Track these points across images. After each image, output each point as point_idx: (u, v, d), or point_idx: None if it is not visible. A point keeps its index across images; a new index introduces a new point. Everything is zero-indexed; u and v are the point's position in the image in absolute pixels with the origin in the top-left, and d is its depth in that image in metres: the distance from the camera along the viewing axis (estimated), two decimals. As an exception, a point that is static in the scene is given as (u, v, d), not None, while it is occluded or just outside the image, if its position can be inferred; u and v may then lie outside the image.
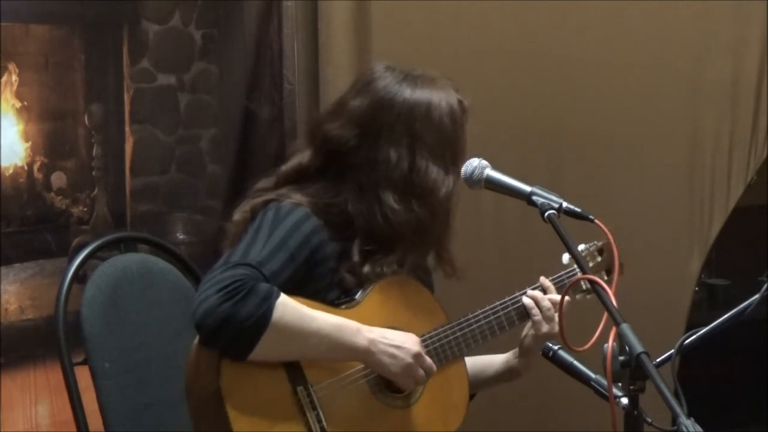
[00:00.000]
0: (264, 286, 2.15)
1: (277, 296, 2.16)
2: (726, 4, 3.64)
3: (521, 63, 3.60)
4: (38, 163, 3.25)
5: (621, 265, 2.49)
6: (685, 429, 1.70)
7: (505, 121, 3.60)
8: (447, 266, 2.43)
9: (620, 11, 3.62)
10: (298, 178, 2.39)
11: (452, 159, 2.37)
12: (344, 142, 2.36)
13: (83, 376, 2.47)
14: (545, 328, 2.40)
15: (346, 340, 2.23)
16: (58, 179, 3.28)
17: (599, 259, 2.53)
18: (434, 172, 2.35)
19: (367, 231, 2.34)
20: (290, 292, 2.23)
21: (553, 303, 2.41)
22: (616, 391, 1.91)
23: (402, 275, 2.39)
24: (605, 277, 2.52)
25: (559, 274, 2.48)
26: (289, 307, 2.18)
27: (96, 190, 3.35)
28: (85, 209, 3.33)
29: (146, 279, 2.61)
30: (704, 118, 3.69)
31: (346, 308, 2.31)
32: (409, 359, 2.27)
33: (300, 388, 2.22)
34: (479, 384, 2.55)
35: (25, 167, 3.22)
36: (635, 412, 1.89)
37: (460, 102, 2.42)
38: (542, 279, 2.47)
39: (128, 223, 3.41)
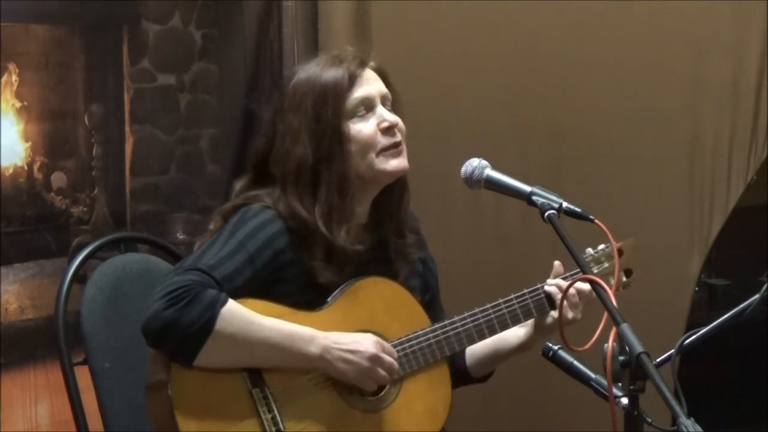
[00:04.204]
0: (210, 293, 2.14)
1: (223, 303, 2.15)
2: (726, 4, 3.64)
3: (521, 63, 3.60)
4: (38, 163, 3.25)
5: (630, 271, 2.48)
6: (685, 429, 1.70)
7: (505, 121, 3.60)
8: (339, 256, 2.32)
9: (620, 11, 3.62)
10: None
11: (309, 127, 2.31)
12: (256, 151, 2.39)
13: (83, 376, 2.47)
14: (570, 314, 2.36)
15: (298, 348, 2.21)
16: (58, 179, 3.28)
17: (606, 265, 2.49)
18: (289, 144, 2.31)
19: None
20: (256, 295, 2.22)
21: (577, 290, 2.37)
22: (616, 391, 1.91)
23: (381, 277, 2.36)
24: (624, 279, 2.49)
25: (572, 272, 2.43)
26: (235, 315, 2.16)
27: (96, 190, 3.35)
28: (85, 209, 3.33)
29: (146, 279, 2.60)
30: (704, 118, 3.69)
31: (315, 310, 2.29)
32: (365, 363, 2.24)
33: (256, 390, 2.20)
34: (494, 362, 2.51)
35: (25, 167, 3.22)
36: (635, 412, 1.89)
37: (345, 69, 2.34)
38: (557, 263, 2.43)
39: (128, 223, 3.41)
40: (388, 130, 2.34)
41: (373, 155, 2.33)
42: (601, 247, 2.49)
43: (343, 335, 2.26)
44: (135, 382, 2.49)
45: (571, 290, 2.37)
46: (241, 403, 2.19)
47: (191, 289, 2.13)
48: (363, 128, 2.33)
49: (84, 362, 2.47)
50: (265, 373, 2.21)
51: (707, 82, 3.67)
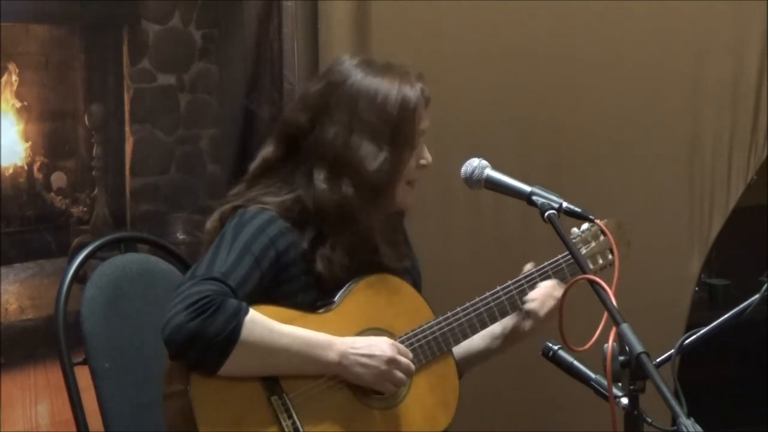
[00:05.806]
0: (232, 303, 2.15)
1: (246, 313, 2.15)
2: (726, 4, 3.64)
3: (521, 63, 3.60)
4: (38, 163, 3.25)
5: (629, 242, 2.52)
6: (685, 429, 1.70)
7: (505, 121, 3.60)
8: (383, 258, 2.36)
9: (620, 11, 3.62)
10: (264, 173, 2.37)
11: (391, 142, 2.32)
12: (297, 124, 2.36)
13: (83, 376, 2.47)
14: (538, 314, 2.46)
15: (317, 355, 2.22)
16: (58, 179, 3.29)
17: (601, 238, 2.51)
18: (366, 149, 2.31)
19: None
20: (261, 298, 2.22)
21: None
22: (616, 391, 1.91)
23: (383, 273, 2.38)
24: (610, 257, 2.51)
25: (556, 258, 2.47)
26: (258, 324, 2.17)
27: (96, 190, 3.36)
28: (85, 209, 3.33)
29: (146, 279, 2.61)
30: (704, 118, 3.69)
31: (324, 312, 2.30)
32: (383, 366, 2.25)
33: (274, 398, 2.21)
34: (465, 366, 2.53)
35: (25, 167, 3.22)
36: (635, 412, 1.89)
37: (420, 91, 2.37)
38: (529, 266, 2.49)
39: (128, 223, 3.41)
40: (423, 168, 2.41)
41: (403, 182, 2.38)
42: (585, 226, 2.51)
43: (357, 339, 2.27)
44: (135, 382, 2.50)
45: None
46: (260, 411, 2.20)
47: (214, 299, 2.13)
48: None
49: (84, 362, 2.47)
50: (281, 379, 2.22)
51: (707, 82, 3.67)
